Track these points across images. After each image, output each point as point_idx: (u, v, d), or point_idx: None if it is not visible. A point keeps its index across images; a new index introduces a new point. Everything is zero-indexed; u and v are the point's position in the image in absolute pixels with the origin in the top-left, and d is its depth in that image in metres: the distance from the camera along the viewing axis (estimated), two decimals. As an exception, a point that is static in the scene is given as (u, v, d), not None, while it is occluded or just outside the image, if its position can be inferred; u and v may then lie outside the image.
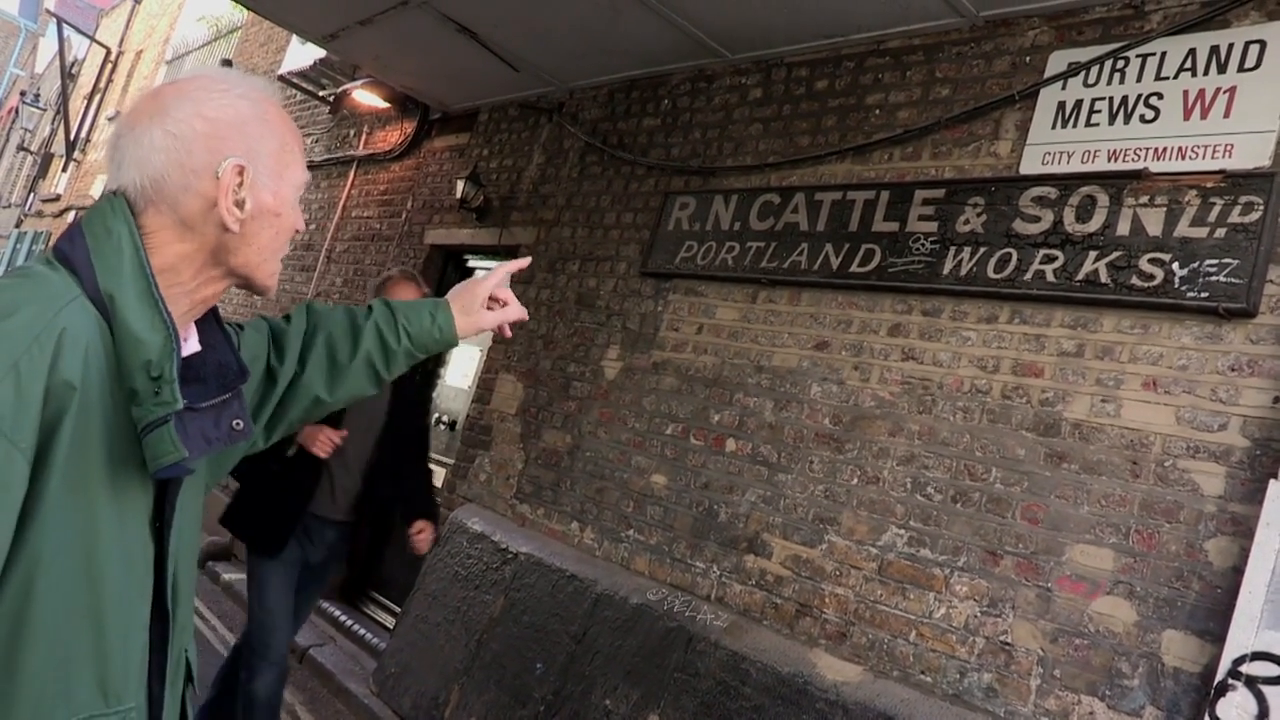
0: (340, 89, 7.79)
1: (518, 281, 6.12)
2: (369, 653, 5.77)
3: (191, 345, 1.36)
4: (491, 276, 1.82)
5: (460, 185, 6.42)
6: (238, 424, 1.33)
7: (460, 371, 6.70)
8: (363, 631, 6.00)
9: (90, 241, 1.24)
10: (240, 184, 1.29)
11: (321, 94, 8.21)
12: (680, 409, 4.72)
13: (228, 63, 11.03)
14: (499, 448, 5.72)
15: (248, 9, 6.35)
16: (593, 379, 5.29)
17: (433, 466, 6.34)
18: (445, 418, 6.59)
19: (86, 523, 1.19)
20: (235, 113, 1.31)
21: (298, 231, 1.43)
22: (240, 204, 1.30)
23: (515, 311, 1.84)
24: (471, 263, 7.04)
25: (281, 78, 8.47)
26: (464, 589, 5.19)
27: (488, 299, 1.79)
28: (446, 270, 7.08)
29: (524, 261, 1.93)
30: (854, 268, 4.11)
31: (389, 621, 6.15)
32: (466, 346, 6.70)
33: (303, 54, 8.02)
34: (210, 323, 1.41)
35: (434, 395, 6.88)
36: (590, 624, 4.47)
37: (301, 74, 8.15)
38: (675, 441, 4.69)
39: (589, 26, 5.28)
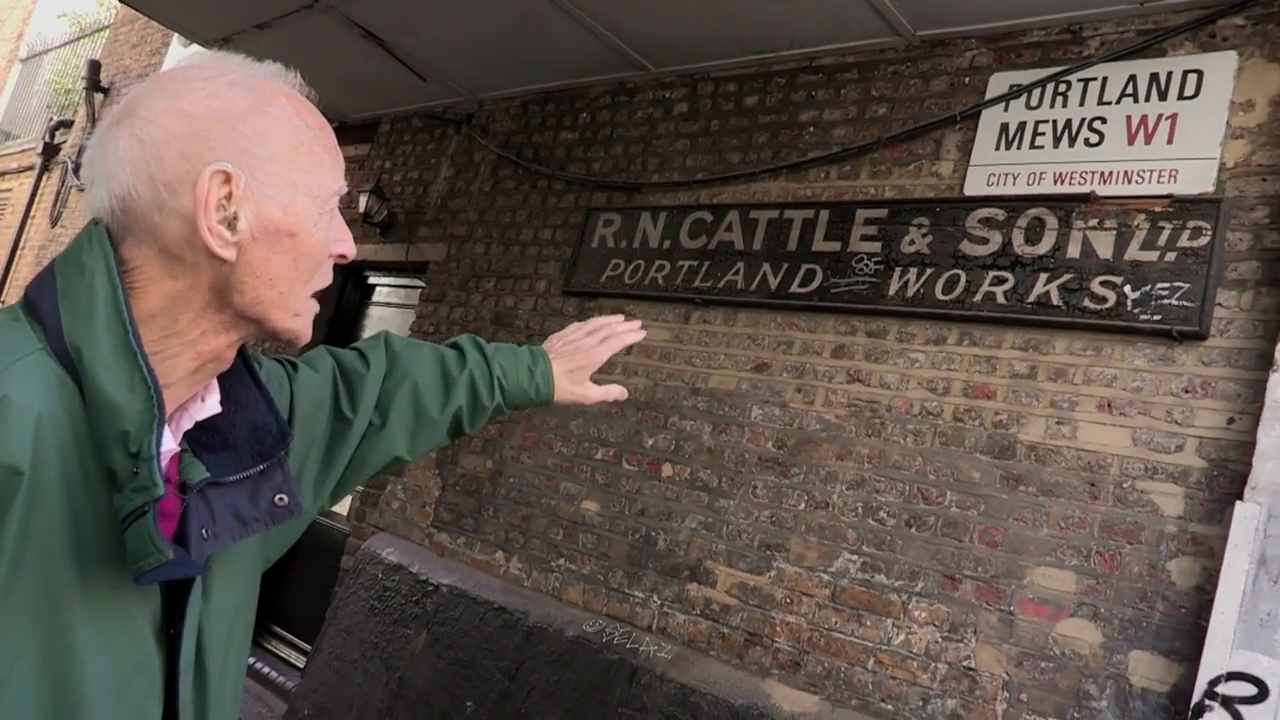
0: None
1: (427, 299, 5.90)
2: (276, 693, 5.43)
3: (211, 405, 1.09)
4: (609, 346, 1.67)
5: (364, 199, 6.14)
6: (281, 499, 1.06)
7: (364, 393, 6.40)
8: (267, 670, 5.65)
9: (60, 283, 0.98)
10: (229, 196, 0.99)
11: (205, 100, 7.75)
12: (611, 433, 4.59)
13: (95, 64, 10.37)
14: (413, 473, 5.47)
15: (131, 7, 5.93)
16: (514, 401, 5.08)
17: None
18: (349, 442, 6.28)
19: (49, 644, 0.92)
20: (222, 104, 1.01)
21: (343, 258, 1.13)
22: (230, 223, 1.00)
23: (617, 389, 1.70)
24: (373, 279, 6.75)
25: (162, 82, 7.98)
26: (381, 623, 4.93)
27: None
28: (346, 287, 6.77)
29: (641, 332, 1.76)
30: (794, 288, 4.05)
31: (295, 658, 5.81)
32: (371, 367, 6.41)
33: (186, 57, 7.57)
34: (241, 376, 1.14)
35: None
36: (524, 658, 4.29)
37: (184, 78, 7.68)
38: (607, 466, 4.55)
39: (506, 35, 5.11)
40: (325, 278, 1.12)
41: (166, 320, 1.01)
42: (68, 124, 11.20)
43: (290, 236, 1.04)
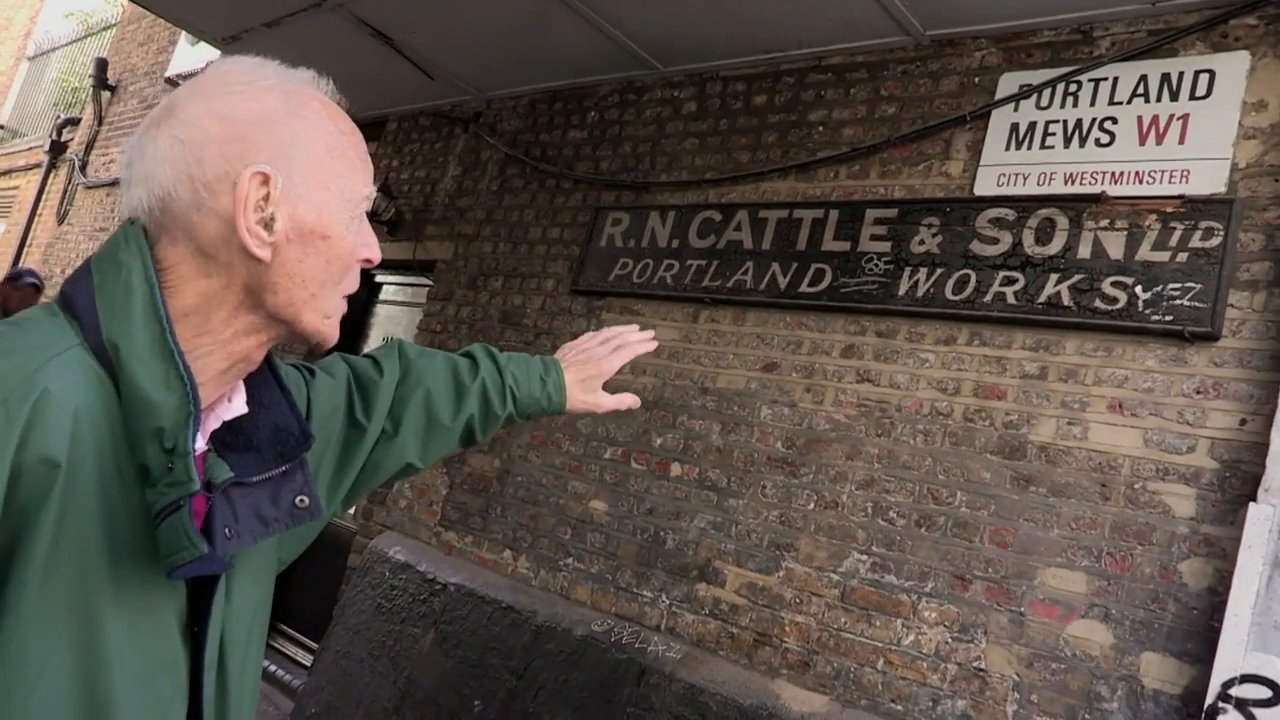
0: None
1: (435, 298, 5.90)
2: (283, 691, 5.43)
3: (238, 406, 1.11)
4: (621, 355, 1.70)
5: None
6: (302, 501, 1.08)
7: (371, 391, 6.39)
8: (274, 668, 5.65)
9: (96, 279, 0.99)
10: (267, 197, 1.01)
11: (212, 98, 7.78)
12: (619, 432, 4.58)
13: (102, 62, 10.37)
14: (421, 472, 5.46)
15: (138, 5, 5.93)
16: (521, 400, 5.08)
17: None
18: (357, 440, 6.27)
19: (82, 638, 0.94)
20: (260, 108, 1.04)
21: (368, 262, 1.15)
22: (268, 223, 1.02)
23: (630, 398, 1.74)
24: (380, 278, 6.75)
25: (169, 81, 8.00)
26: (389, 622, 4.93)
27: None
28: (353, 285, 6.75)
29: (653, 342, 1.79)
30: (803, 287, 4.05)
31: (301, 656, 5.81)
32: (378, 365, 6.40)
33: (193, 56, 7.58)
34: (266, 378, 1.15)
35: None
36: (532, 657, 4.29)
37: (191, 77, 7.70)
38: (615, 466, 4.55)
39: (515, 34, 5.11)
40: (354, 282, 1.14)
41: (199, 319, 1.03)
42: (75, 122, 11.21)
43: (323, 239, 1.07)
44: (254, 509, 1.04)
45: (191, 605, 1.06)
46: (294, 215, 1.04)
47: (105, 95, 10.56)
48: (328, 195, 1.07)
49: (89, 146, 10.59)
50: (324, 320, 1.11)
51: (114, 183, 9.79)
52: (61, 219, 10.67)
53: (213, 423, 1.09)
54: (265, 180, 1.01)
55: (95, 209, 10.07)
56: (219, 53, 6.86)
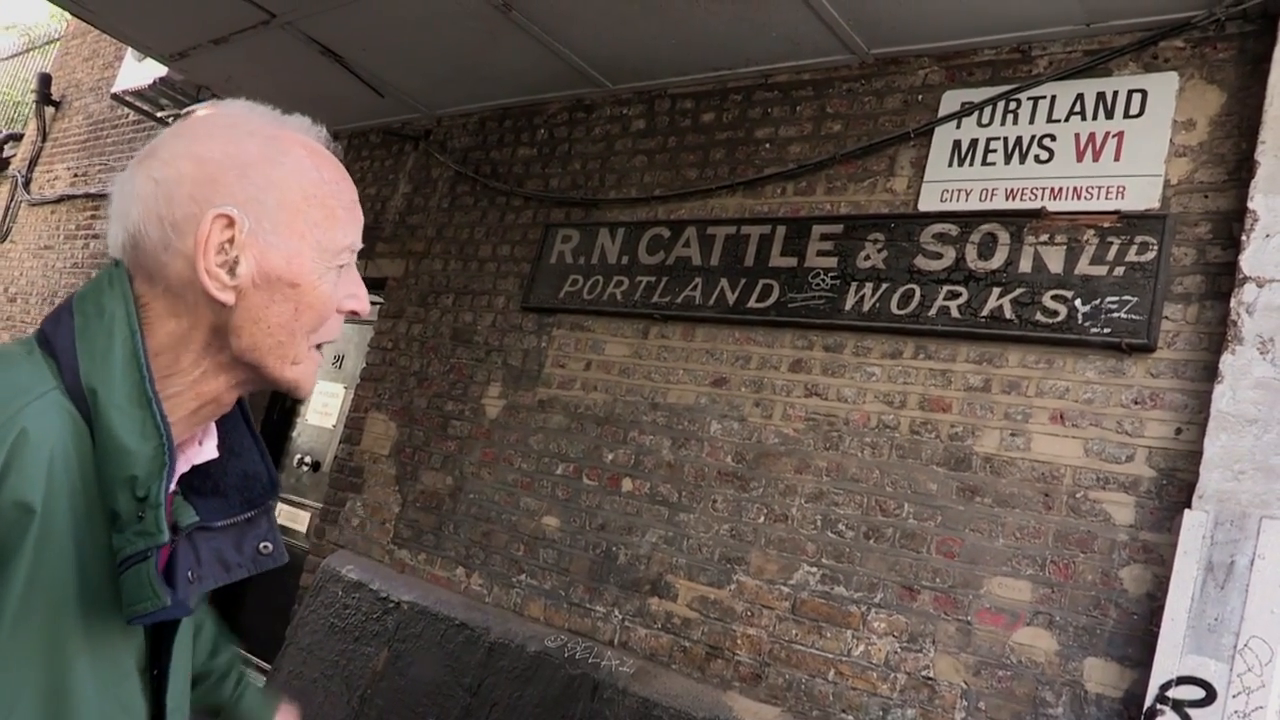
0: (183, 111, 7.33)
1: (386, 315, 5.87)
2: (232, 716, 5.34)
3: (209, 450, 1.10)
4: None
5: (321, 214, 6.09)
6: (265, 547, 1.09)
7: (322, 410, 6.35)
8: (223, 693, 5.56)
9: (78, 321, 0.99)
10: (231, 240, 1.00)
11: (160, 115, 7.69)
12: (571, 448, 4.59)
13: (45, 77, 10.21)
14: (372, 490, 5.44)
15: (83, 20, 5.87)
16: (473, 418, 5.09)
17: (297, 511, 6.02)
18: (308, 459, 6.22)
19: (50, 681, 0.93)
20: (237, 151, 1.02)
21: (353, 313, 1.13)
22: (231, 267, 1.00)
23: None
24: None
25: (115, 96, 7.90)
26: (342, 641, 4.88)
27: None
28: (303, 303, 6.70)
29: None
30: (751, 303, 4.09)
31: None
32: (330, 384, 6.37)
33: (140, 71, 7.48)
34: (237, 424, 1.15)
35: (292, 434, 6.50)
36: (485, 674, 4.27)
37: (138, 93, 7.60)
38: (567, 481, 4.55)
39: (464, 52, 5.12)
40: (331, 331, 1.12)
41: (169, 359, 1.02)
42: (17, 137, 11.02)
43: (292, 286, 1.05)
44: (217, 554, 1.05)
45: (150, 647, 1.06)
46: (262, 260, 1.02)
47: (49, 111, 10.40)
48: (301, 243, 1.05)
49: (33, 163, 10.42)
50: (291, 367, 1.08)
51: (60, 200, 9.65)
52: (4, 237, 10.47)
53: (181, 465, 1.08)
54: (230, 223, 1.00)
55: (40, 226, 9.89)
56: (166, 69, 6.81)
